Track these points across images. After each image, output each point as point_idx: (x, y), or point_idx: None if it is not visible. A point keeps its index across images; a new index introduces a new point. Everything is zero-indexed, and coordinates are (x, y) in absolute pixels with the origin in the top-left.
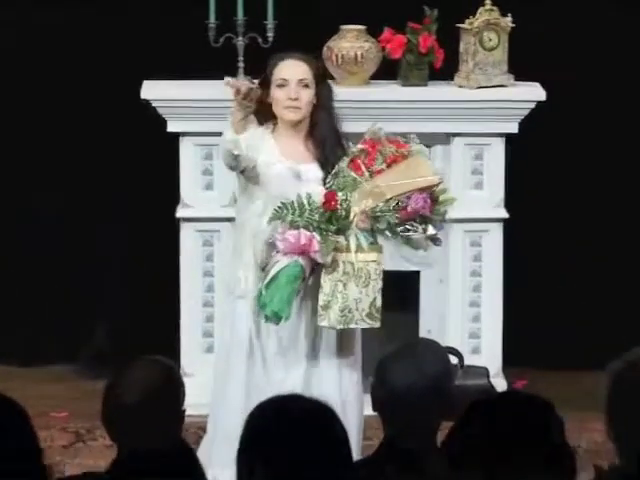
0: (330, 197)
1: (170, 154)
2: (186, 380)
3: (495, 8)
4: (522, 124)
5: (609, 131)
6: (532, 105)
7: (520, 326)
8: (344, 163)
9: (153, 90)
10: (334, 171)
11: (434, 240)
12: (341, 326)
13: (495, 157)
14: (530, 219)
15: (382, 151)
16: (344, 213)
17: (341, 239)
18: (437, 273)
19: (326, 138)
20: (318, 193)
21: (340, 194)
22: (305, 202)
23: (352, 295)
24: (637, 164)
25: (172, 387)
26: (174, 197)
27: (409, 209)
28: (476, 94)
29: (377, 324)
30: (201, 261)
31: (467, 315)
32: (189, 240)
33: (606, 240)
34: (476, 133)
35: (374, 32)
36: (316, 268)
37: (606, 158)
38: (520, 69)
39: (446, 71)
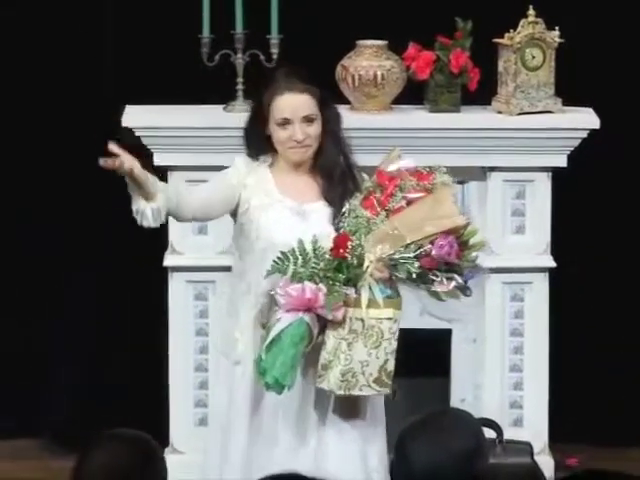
0: (341, 242)
1: None
2: (176, 458)
3: (540, 20)
4: (572, 157)
5: None
6: (584, 134)
7: (569, 395)
8: (357, 200)
9: (137, 117)
10: (345, 210)
11: (463, 290)
12: (341, 392)
13: (540, 195)
14: (581, 269)
15: (401, 186)
16: (356, 260)
17: (351, 291)
18: (471, 331)
19: (334, 170)
20: (326, 236)
21: (353, 238)
22: (309, 248)
23: (358, 357)
24: None
25: (150, 470)
26: (162, 242)
27: (433, 255)
28: (517, 121)
29: (387, 391)
30: (193, 317)
31: (507, 381)
32: (179, 293)
33: None
34: (517, 167)
35: (397, 48)
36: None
37: None
38: (570, 92)
39: (482, 94)
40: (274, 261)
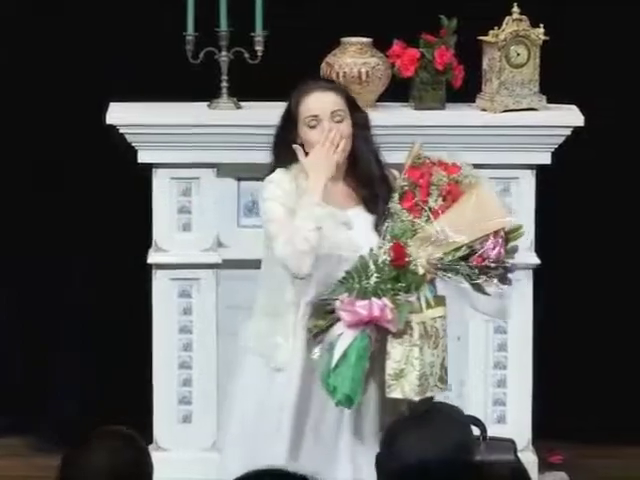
0: (399, 251)
1: (141, 189)
2: (160, 456)
3: (524, 18)
4: (556, 154)
5: None
6: (568, 132)
7: (553, 392)
8: (395, 202)
9: (121, 114)
10: (387, 213)
11: (504, 280)
12: (418, 397)
13: (524, 192)
14: (565, 266)
15: (436, 183)
16: (413, 267)
17: (413, 298)
18: (455, 329)
19: (370, 174)
20: (375, 244)
21: (403, 243)
22: (370, 262)
23: (427, 360)
24: None
25: (138, 467)
26: (146, 240)
27: (485, 256)
28: (502, 119)
29: (446, 388)
30: (177, 315)
31: (490, 379)
32: (163, 290)
33: None
34: (502, 164)
35: (382, 46)
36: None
37: None
38: (554, 89)
39: (467, 92)
40: (340, 281)
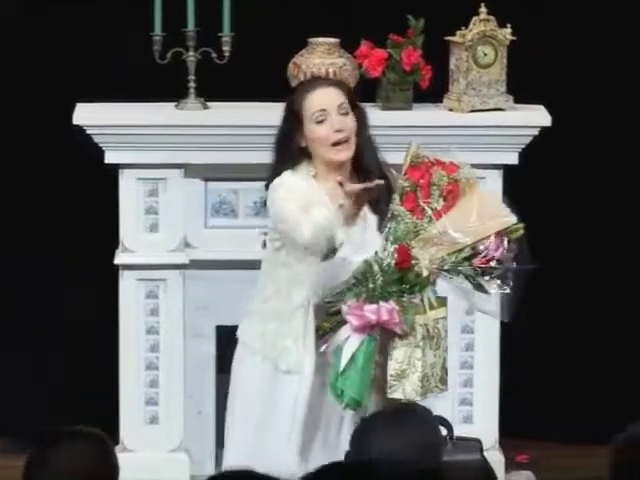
0: (404, 254)
1: (108, 189)
2: (126, 456)
3: (492, 18)
4: (523, 154)
5: (624, 163)
6: (535, 132)
7: (519, 391)
8: (397, 203)
9: (88, 114)
10: (390, 214)
11: (505, 280)
12: (419, 398)
13: (491, 192)
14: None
15: (436, 183)
16: (417, 268)
17: (417, 300)
18: None
19: (373, 172)
20: (379, 244)
21: (407, 245)
22: (375, 265)
23: (429, 360)
24: None
25: (104, 467)
26: (112, 240)
27: (488, 257)
28: (469, 119)
29: (446, 388)
30: (144, 315)
31: (457, 378)
32: (130, 291)
33: (622, 291)
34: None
35: (349, 46)
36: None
37: (620, 193)
38: (521, 90)
39: (434, 92)
40: (349, 287)
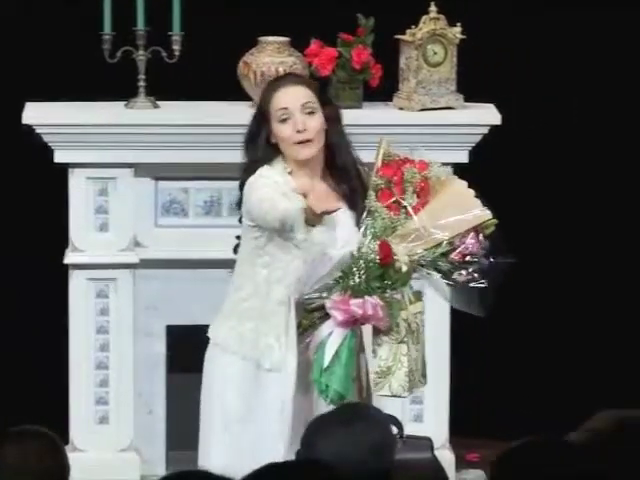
0: (386, 249)
1: (57, 189)
2: (76, 456)
3: (441, 17)
4: (473, 153)
5: (572, 160)
6: (485, 130)
7: (470, 389)
8: (372, 199)
9: (37, 113)
10: (366, 210)
11: (482, 274)
12: (406, 394)
13: None
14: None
15: (409, 179)
16: (397, 264)
17: (399, 296)
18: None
19: (348, 168)
20: (357, 240)
21: (390, 241)
22: (361, 260)
23: (413, 355)
24: (607, 193)
25: (53, 467)
26: (62, 240)
27: (462, 251)
28: (419, 117)
29: (425, 383)
30: (94, 315)
31: None
32: (80, 290)
33: (571, 287)
34: None
35: (299, 45)
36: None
37: (568, 190)
38: (471, 88)
39: (384, 90)
40: (336, 280)
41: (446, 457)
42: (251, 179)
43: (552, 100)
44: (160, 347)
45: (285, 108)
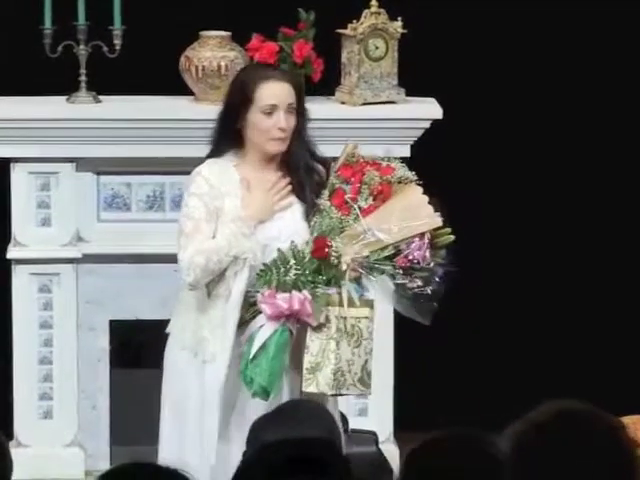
0: (321, 244)
1: None
2: (20, 452)
3: (382, 11)
4: (415, 146)
5: (514, 156)
6: (427, 124)
7: (414, 383)
8: (325, 198)
9: None
10: (317, 208)
11: (428, 282)
12: (332, 392)
13: None
14: None
15: (367, 182)
16: (335, 260)
17: (332, 291)
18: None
19: (298, 160)
20: (302, 233)
21: (336, 240)
22: (289, 255)
23: (345, 356)
24: (549, 184)
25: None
26: (4, 235)
27: (410, 257)
28: (361, 112)
29: (368, 391)
30: (37, 310)
31: None
32: (22, 285)
33: (515, 284)
34: None
35: (240, 39)
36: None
37: (509, 185)
38: (413, 82)
39: (326, 85)
40: (257, 274)
41: (391, 451)
42: (195, 170)
43: (493, 94)
44: (103, 342)
45: (274, 105)
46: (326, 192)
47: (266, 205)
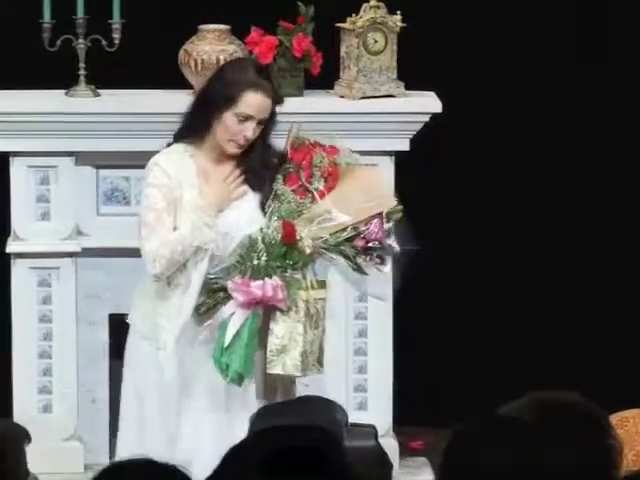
0: (289, 229)
1: None
2: None
3: (382, 5)
4: (414, 141)
5: (514, 150)
6: (426, 118)
7: (414, 378)
8: (280, 183)
9: None
10: (273, 194)
11: (383, 261)
12: (299, 373)
13: (386, 177)
14: (422, 250)
15: (317, 164)
16: (301, 246)
17: (299, 276)
18: None
19: (254, 152)
20: (259, 222)
21: (296, 224)
22: (259, 240)
23: (309, 337)
24: (548, 180)
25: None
26: (4, 229)
27: (366, 237)
28: (360, 105)
29: (321, 369)
30: (36, 304)
31: (351, 365)
32: (22, 279)
33: (510, 276)
34: (361, 151)
35: (240, 33)
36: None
37: (511, 182)
38: (412, 76)
39: (325, 79)
40: (234, 265)
41: (390, 445)
42: (152, 159)
43: (493, 87)
44: (103, 336)
45: (251, 116)
46: (279, 177)
47: (224, 194)
